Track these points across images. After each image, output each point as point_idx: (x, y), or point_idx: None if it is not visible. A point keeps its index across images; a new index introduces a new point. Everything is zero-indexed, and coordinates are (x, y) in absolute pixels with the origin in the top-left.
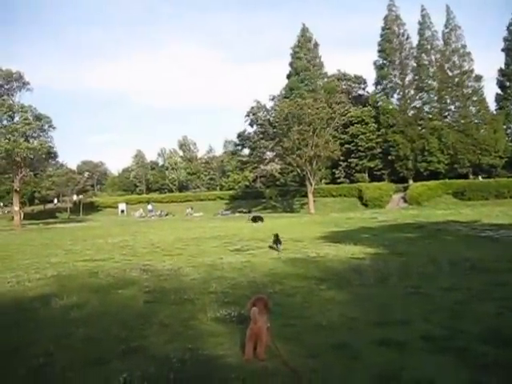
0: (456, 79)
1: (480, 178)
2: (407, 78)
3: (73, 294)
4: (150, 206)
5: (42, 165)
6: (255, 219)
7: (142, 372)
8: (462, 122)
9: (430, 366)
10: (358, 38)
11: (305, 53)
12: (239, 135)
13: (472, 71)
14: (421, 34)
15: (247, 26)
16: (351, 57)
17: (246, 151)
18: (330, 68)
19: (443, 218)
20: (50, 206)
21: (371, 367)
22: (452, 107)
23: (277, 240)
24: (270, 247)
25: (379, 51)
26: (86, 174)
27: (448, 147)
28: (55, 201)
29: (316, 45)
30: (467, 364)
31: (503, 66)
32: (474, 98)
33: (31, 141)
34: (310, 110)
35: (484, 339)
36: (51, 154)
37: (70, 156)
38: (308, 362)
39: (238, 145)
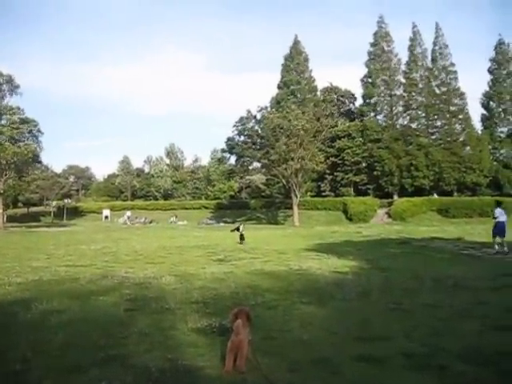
0: (443, 97)
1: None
2: (395, 95)
3: (53, 299)
4: (128, 213)
5: (28, 168)
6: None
7: (121, 381)
8: (448, 139)
9: (409, 383)
10: (349, 51)
11: (295, 66)
12: (228, 139)
13: (458, 89)
14: (411, 50)
15: (238, 37)
16: (341, 70)
17: (233, 160)
18: (320, 81)
19: (427, 235)
20: (33, 209)
21: (351, 383)
22: (438, 124)
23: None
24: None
25: (367, 68)
26: (72, 179)
27: (434, 164)
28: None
29: (306, 58)
30: (447, 382)
31: (487, 88)
32: (460, 116)
33: (17, 144)
34: (296, 123)
35: (464, 357)
36: (36, 158)
37: (55, 160)
38: (287, 377)
39: (225, 151)
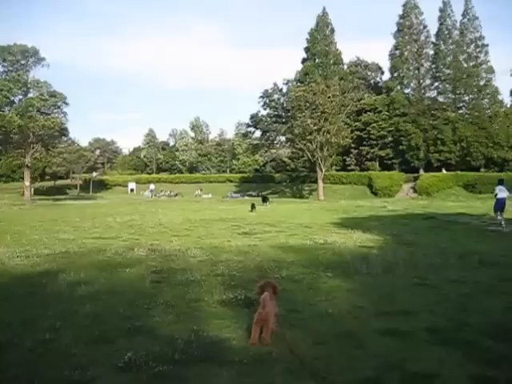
0: (471, 70)
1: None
2: (423, 67)
3: (80, 270)
4: (152, 186)
5: (54, 141)
6: (265, 199)
7: (147, 351)
8: (476, 114)
9: (433, 358)
10: (376, 24)
11: (322, 37)
12: (252, 116)
13: (487, 63)
14: (441, 21)
15: (264, 11)
16: (368, 44)
17: (258, 134)
18: (346, 55)
19: (453, 210)
20: (60, 182)
21: (375, 357)
22: (466, 98)
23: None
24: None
25: (395, 40)
26: (98, 152)
27: (461, 139)
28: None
29: (332, 30)
30: (472, 358)
31: None
32: (488, 91)
33: (45, 117)
34: (322, 96)
35: (490, 334)
36: (63, 131)
37: (81, 133)
38: (312, 350)
39: (250, 126)
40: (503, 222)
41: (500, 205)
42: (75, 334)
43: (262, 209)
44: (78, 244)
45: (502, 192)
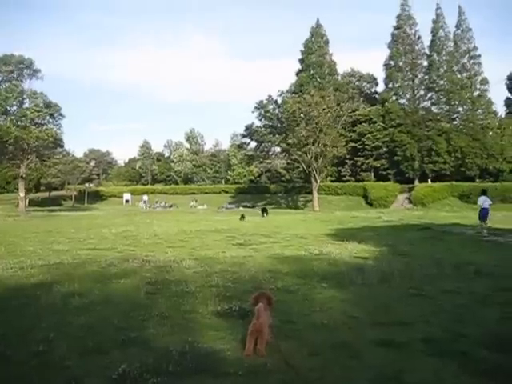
0: (465, 81)
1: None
2: (417, 78)
3: (74, 282)
4: (144, 197)
5: (49, 152)
6: (264, 211)
7: (141, 363)
8: (470, 125)
9: (429, 369)
10: (370, 35)
11: (316, 48)
12: (247, 128)
13: (481, 74)
14: (434, 33)
15: (259, 23)
16: (362, 55)
17: (253, 145)
18: (341, 66)
19: (448, 221)
20: (55, 193)
21: (370, 368)
22: (460, 109)
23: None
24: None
25: (390, 51)
26: (93, 163)
27: (456, 150)
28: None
29: (327, 41)
30: (467, 369)
31: None
32: (482, 102)
33: (39, 128)
34: (317, 107)
35: (485, 344)
36: (58, 142)
37: (76, 144)
38: (307, 361)
39: (245, 136)
40: (485, 232)
41: (484, 214)
42: (69, 346)
43: (258, 219)
44: (73, 255)
45: (485, 202)
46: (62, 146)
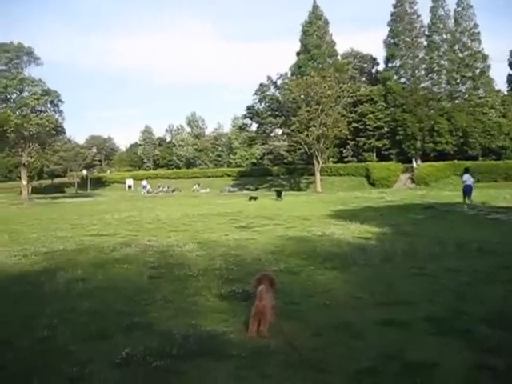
0: (466, 60)
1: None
2: (417, 58)
3: (78, 268)
4: (144, 182)
5: (50, 139)
6: (279, 194)
7: (145, 347)
8: (472, 103)
9: (433, 347)
10: (371, 15)
11: (315, 29)
12: (248, 108)
13: (481, 52)
14: (433, 12)
15: (258, 4)
16: (363, 35)
17: (254, 127)
18: (341, 46)
19: (451, 199)
20: (57, 180)
21: (373, 347)
22: (462, 88)
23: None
24: None
25: (390, 30)
26: (94, 149)
27: (457, 129)
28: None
29: (326, 22)
30: (471, 346)
31: None
32: (483, 80)
33: (40, 115)
34: (318, 88)
35: (489, 322)
36: (59, 129)
37: (78, 131)
38: (311, 341)
39: (247, 117)
40: (466, 207)
41: (468, 190)
42: (73, 331)
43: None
44: (76, 241)
45: (469, 179)
46: (63, 133)
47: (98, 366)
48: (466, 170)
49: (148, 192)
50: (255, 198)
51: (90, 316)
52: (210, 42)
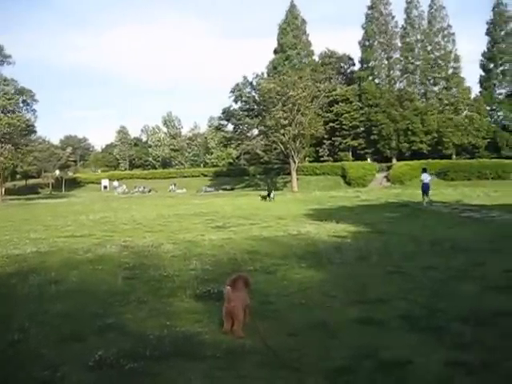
0: (439, 61)
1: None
2: (392, 58)
3: (51, 270)
4: (115, 183)
5: (24, 139)
6: (269, 194)
7: (118, 349)
8: (446, 102)
9: (407, 345)
10: (347, 14)
11: (292, 29)
12: (224, 111)
13: (454, 52)
14: (407, 13)
15: (235, 2)
16: (340, 34)
17: (230, 127)
18: (318, 46)
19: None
20: (31, 181)
21: (349, 346)
22: (435, 88)
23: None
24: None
25: (364, 32)
26: (69, 150)
27: (431, 129)
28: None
29: (303, 22)
30: (445, 343)
31: (486, 49)
32: (455, 80)
33: (11, 115)
34: (294, 87)
35: (462, 318)
36: (31, 128)
37: (52, 131)
38: (286, 341)
39: (223, 119)
40: (425, 204)
41: (426, 188)
42: (45, 334)
43: (237, 202)
44: (50, 243)
45: (426, 178)
46: (34, 132)
47: (71, 369)
48: (424, 170)
49: (124, 192)
50: (268, 196)
51: (62, 318)
52: (186, 40)
